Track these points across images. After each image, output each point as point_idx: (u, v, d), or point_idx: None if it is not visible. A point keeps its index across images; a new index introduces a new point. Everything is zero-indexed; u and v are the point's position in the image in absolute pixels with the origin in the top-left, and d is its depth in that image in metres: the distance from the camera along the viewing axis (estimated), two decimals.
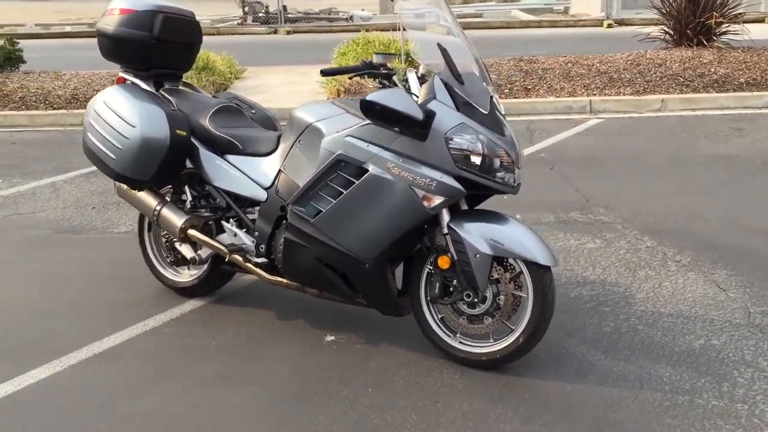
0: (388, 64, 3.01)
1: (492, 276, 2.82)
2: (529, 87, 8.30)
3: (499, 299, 2.85)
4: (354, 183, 2.82)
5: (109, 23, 3.44)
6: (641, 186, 5.29)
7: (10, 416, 2.74)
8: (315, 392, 2.83)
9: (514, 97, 8.08)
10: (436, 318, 3.00)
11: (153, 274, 3.73)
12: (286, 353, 3.13)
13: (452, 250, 2.80)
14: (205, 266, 3.52)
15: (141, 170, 3.25)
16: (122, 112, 3.23)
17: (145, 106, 3.24)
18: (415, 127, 2.71)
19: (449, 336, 2.97)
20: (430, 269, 2.95)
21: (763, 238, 4.21)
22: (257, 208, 3.25)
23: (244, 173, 3.25)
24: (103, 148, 3.27)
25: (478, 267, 2.76)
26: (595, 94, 8.04)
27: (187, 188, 3.45)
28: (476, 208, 2.97)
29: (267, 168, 3.20)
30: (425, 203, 2.73)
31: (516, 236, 2.78)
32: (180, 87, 3.65)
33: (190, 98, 3.51)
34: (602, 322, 3.30)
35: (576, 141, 6.72)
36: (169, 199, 3.49)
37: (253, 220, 3.26)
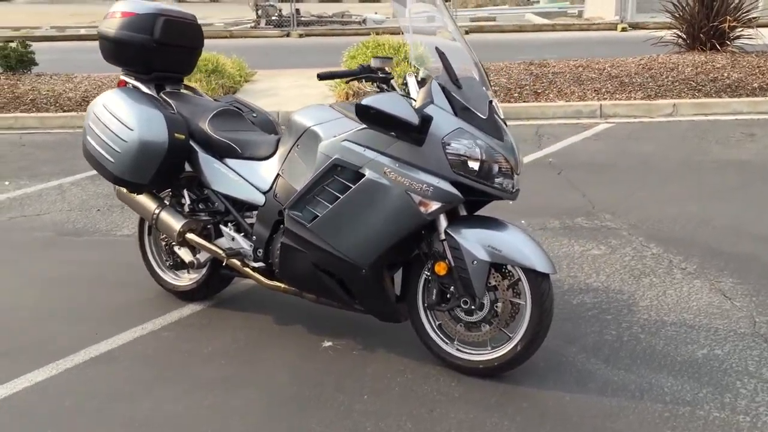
0: (386, 68, 2.98)
1: (490, 283, 2.78)
2: (539, 91, 8.25)
3: (496, 306, 2.81)
4: (350, 188, 2.80)
5: (111, 26, 3.44)
6: (650, 192, 5.22)
7: (4, 419, 2.73)
8: (311, 398, 2.81)
9: (524, 101, 8.02)
10: (433, 325, 2.96)
11: (153, 277, 3.72)
12: (283, 358, 3.11)
13: (449, 256, 2.77)
14: (204, 270, 3.51)
15: (139, 174, 3.24)
16: (121, 116, 3.22)
17: (143, 110, 3.23)
18: (412, 132, 2.68)
19: (446, 343, 2.94)
20: (427, 275, 2.92)
21: None
22: (255, 213, 3.23)
23: (242, 177, 3.24)
24: (102, 151, 3.27)
25: (476, 274, 2.73)
26: (606, 99, 7.97)
27: (185, 192, 3.44)
28: (475, 213, 2.94)
29: (265, 172, 3.19)
30: (422, 209, 2.70)
31: (514, 243, 2.74)
32: (181, 90, 3.64)
33: (190, 101, 3.50)
34: (604, 330, 3.25)
35: (585, 146, 6.66)
36: (168, 203, 3.48)
37: (252, 225, 3.25)
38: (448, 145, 2.67)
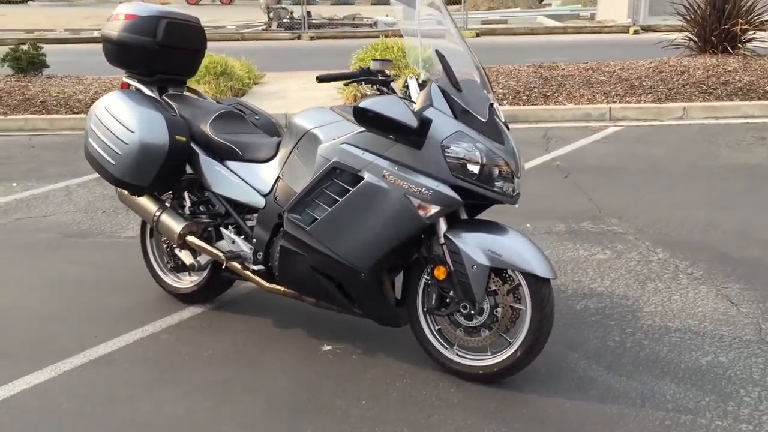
0: (386, 71, 2.96)
1: (489, 287, 2.75)
2: (548, 94, 8.19)
3: (496, 311, 2.78)
4: (349, 191, 2.78)
5: (114, 28, 3.44)
6: (657, 196, 5.17)
7: (3, 421, 2.73)
8: (308, 402, 2.79)
9: (532, 104, 7.97)
10: (433, 329, 2.94)
11: (154, 279, 3.72)
12: (283, 361, 3.10)
13: (449, 260, 2.74)
14: (205, 273, 3.50)
15: (140, 176, 3.24)
16: (122, 118, 3.22)
17: (144, 112, 3.23)
18: (410, 135, 2.66)
19: (446, 348, 2.92)
20: (427, 280, 2.89)
21: None
22: (256, 215, 3.22)
23: (243, 179, 3.23)
24: (103, 154, 3.27)
25: (475, 278, 2.70)
26: (615, 102, 7.91)
27: (186, 194, 3.43)
28: (477, 217, 2.91)
29: (266, 174, 3.17)
30: (421, 212, 2.67)
31: (514, 247, 2.71)
32: (184, 92, 3.63)
33: (192, 104, 3.49)
34: (606, 336, 3.21)
35: (593, 149, 6.61)
36: (168, 205, 3.48)
37: (252, 227, 3.24)
38: (448, 148, 2.64)
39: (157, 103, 3.37)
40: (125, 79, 3.56)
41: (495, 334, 2.80)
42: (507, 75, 8.89)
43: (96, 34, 18.56)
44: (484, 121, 2.73)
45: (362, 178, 2.75)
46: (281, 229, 3.05)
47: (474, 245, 2.70)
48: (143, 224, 3.71)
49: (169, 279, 3.67)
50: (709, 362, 2.98)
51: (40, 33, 18.20)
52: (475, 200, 2.75)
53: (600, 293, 3.63)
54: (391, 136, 2.71)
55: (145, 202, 3.47)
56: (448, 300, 2.84)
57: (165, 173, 3.25)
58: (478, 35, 16.50)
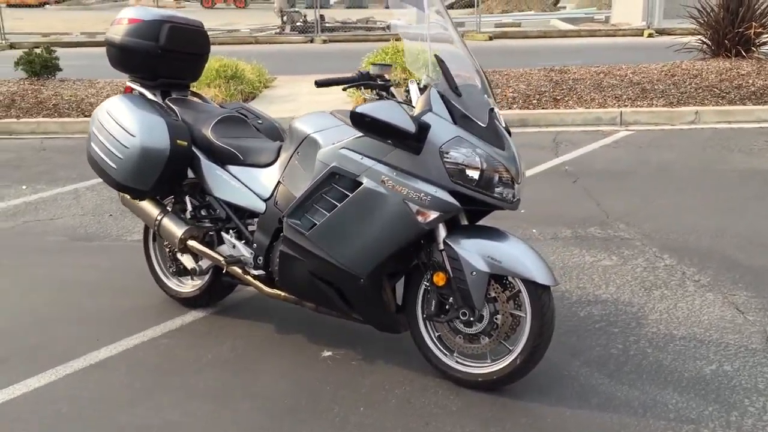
0: (386, 75, 2.95)
1: (489, 294, 2.72)
2: (558, 97, 8.14)
3: (496, 318, 2.75)
4: (348, 196, 2.76)
5: (117, 33, 3.45)
6: (667, 201, 5.11)
7: (2, 426, 2.73)
8: (307, 408, 2.78)
9: (542, 108, 7.93)
10: (432, 336, 2.92)
11: (157, 283, 3.73)
12: (282, 367, 3.08)
13: (448, 266, 2.72)
14: (207, 277, 3.49)
15: (141, 180, 3.24)
16: (124, 122, 3.23)
17: (146, 116, 3.24)
18: (408, 140, 2.64)
19: (446, 355, 2.89)
20: (426, 286, 2.87)
21: None
22: (256, 220, 3.21)
23: (243, 184, 3.22)
24: (105, 158, 3.28)
25: (475, 285, 2.67)
26: (627, 106, 7.85)
27: (188, 198, 3.43)
28: (477, 223, 2.89)
29: (266, 179, 3.17)
30: (420, 218, 2.65)
31: (514, 254, 2.68)
32: (187, 97, 3.64)
33: (195, 108, 3.50)
34: (610, 343, 3.17)
35: (603, 153, 6.56)
36: (170, 209, 3.48)
37: (252, 232, 3.23)
38: (446, 153, 2.62)
39: (158, 107, 3.37)
40: (129, 83, 3.57)
41: (495, 341, 2.78)
42: (518, 78, 8.85)
43: None
44: (484, 126, 2.70)
45: (361, 184, 2.73)
46: (281, 234, 3.04)
47: (473, 251, 2.68)
48: (146, 228, 3.72)
49: (172, 283, 3.68)
50: (714, 371, 2.93)
51: (56, 37, 18.35)
52: (474, 206, 2.72)
53: (605, 300, 3.59)
54: (389, 141, 2.70)
55: (146, 206, 3.47)
56: (447, 307, 2.81)
57: (166, 177, 3.25)
58: (491, 38, 16.44)
